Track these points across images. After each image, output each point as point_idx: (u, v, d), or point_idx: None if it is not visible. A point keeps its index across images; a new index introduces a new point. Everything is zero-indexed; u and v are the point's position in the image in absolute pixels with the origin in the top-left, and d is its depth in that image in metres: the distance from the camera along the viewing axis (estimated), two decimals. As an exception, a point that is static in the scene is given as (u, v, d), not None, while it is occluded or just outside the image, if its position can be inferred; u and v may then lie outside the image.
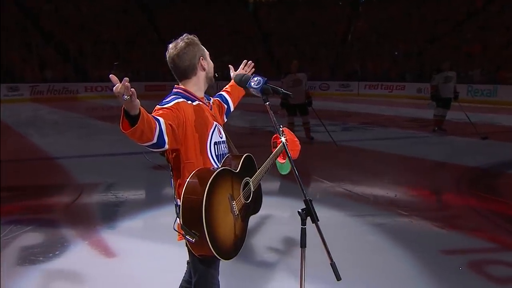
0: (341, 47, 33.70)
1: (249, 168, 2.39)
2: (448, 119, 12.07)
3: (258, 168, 2.46)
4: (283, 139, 2.25)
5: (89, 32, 30.75)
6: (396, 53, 30.45)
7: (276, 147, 2.61)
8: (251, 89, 2.21)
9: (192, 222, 2.00)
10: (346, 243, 4.52)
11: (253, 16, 37.79)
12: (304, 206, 2.00)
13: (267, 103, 2.16)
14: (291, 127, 10.49)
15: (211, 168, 2.26)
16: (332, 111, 18.00)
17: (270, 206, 5.90)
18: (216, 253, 2.04)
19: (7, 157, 9.23)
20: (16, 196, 6.55)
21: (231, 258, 2.17)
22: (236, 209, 2.18)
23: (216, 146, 2.35)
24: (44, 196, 6.34)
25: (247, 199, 2.30)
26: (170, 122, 2.09)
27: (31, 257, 4.24)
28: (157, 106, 2.21)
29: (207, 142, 2.29)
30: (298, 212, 2.00)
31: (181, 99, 2.25)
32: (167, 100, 2.25)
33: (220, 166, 2.32)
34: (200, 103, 2.35)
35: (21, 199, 6.35)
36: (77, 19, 31.58)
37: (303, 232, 2.00)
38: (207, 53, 2.42)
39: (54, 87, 26.00)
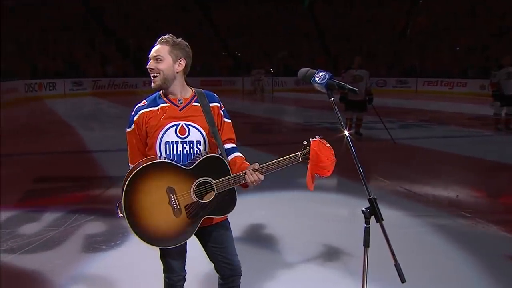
0: (399, 43, 32.77)
1: (213, 169, 2.33)
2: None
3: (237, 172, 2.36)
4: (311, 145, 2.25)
5: (149, 28, 31.58)
6: (457, 48, 29.18)
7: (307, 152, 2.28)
8: (316, 85, 2.12)
9: (121, 201, 2.25)
10: (404, 243, 4.38)
11: (309, 12, 37.45)
12: (368, 205, 1.96)
13: (332, 98, 2.09)
14: (349, 122, 10.25)
15: (155, 158, 2.38)
16: (389, 107, 17.50)
17: (329, 204, 5.87)
18: (137, 234, 2.25)
19: (73, 148, 9.67)
20: (80, 186, 6.85)
21: (158, 246, 2.36)
22: (176, 202, 2.27)
23: (168, 146, 2.39)
24: (106, 187, 6.58)
25: (201, 198, 2.31)
26: (134, 151, 2.54)
27: (94, 245, 4.44)
28: (126, 129, 2.54)
29: (156, 142, 2.40)
30: (362, 210, 1.96)
31: (142, 111, 2.45)
32: (132, 113, 2.49)
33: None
34: (165, 104, 2.43)
35: (85, 189, 6.63)
36: (137, 16, 32.53)
37: (367, 231, 1.95)
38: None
39: (114, 82, 27.02)
